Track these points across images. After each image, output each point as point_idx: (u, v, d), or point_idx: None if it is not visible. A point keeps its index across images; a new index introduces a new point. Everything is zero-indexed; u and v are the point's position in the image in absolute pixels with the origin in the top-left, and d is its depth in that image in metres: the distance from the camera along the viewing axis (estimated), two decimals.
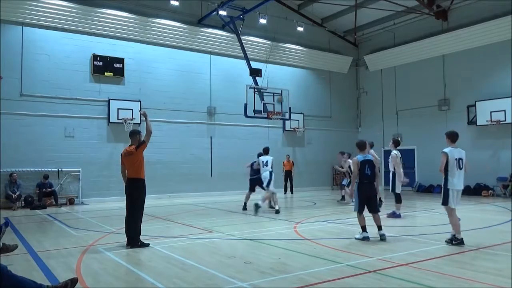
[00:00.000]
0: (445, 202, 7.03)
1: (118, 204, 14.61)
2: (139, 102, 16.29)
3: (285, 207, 13.45)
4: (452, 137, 7.09)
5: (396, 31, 20.70)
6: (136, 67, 16.64)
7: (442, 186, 7.05)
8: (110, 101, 15.80)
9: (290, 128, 20.04)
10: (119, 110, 15.85)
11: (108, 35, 16.08)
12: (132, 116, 16.00)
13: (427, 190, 18.88)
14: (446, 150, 6.97)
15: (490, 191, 16.47)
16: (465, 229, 8.53)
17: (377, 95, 22.08)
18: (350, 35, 22.32)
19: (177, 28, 17.46)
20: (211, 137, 18.09)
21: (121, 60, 16.21)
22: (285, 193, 18.28)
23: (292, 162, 18.92)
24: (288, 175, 18.55)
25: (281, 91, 15.62)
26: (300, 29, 19.70)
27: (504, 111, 16.34)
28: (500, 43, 16.84)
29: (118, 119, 15.79)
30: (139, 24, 16.62)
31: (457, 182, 6.93)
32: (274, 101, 15.59)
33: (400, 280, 4.86)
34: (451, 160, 6.91)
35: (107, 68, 15.94)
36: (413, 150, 20.30)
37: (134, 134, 7.28)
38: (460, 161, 6.98)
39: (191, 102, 17.70)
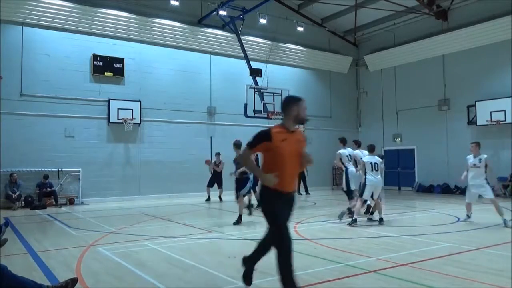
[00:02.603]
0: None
1: (118, 204, 14.63)
2: (139, 102, 16.30)
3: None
4: (344, 141, 10.84)
5: (396, 31, 20.70)
6: (136, 67, 16.64)
7: (364, 181, 9.42)
8: (110, 101, 15.80)
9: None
10: (119, 110, 15.84)
11: (108, 35, 16.08)
12: (132, 116, 16.00)
13: (427, 190, 18.86)
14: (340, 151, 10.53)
15: None
16: (466, 229, 8.54)
17: (377, 95, 22.08)
18: (350, 35, 22.32)
19: (177, 28, 17.46)
20: (211, 137, 18.08)
21: (121, 60, 16.21)
22: (300, 194, 18.01)
23: None
24: (302, 175, 18.24)
25: (281, 91, 15.62)
26: (300, 29, 19.70)
27: (504, 111, 16.34)
28: (500, 43, 16.84)
29: (118, 119, 15.79)
30: (139, 24, 16.62)
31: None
32: (274, 101, 15.60)
33: (400, 280, 4.87)
34: (344, 157, 10.40)
35: (107, 68, 15.93)
36: (413, 150, 20.31)
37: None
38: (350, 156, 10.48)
39: (191, 102, 17.70)
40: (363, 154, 10.12)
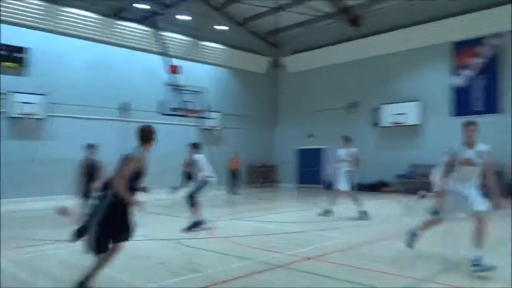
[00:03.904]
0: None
1: (14, 206, 13.52)
2: (46, 96, 15.11)
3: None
4: (197, 147, 8.97)
5: (314, 35, 21.48)
6: (43, 58, 15.39)
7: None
8: (10, 93, 14.45)
9: (208, 126, 19.96)
10: (20, 104, 14.47)
11: (12, 22, 14.69)
12: (37, 111, 14.75)
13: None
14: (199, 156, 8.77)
15: (390, 187, 17.87)
16: (365, 223, 9.21)
17: (295, 96, 22.85)
18: (271, 36, 22.81)
19: (91, 19, 16.49)
20: (125, 135, 17.37)
21: (24, 50, 14.88)
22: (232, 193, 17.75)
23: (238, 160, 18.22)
24: (234, 174, 17.86)
25: (200, 89, 15.55)
26: (221, 27, 19.73)
27: (405, 114, 17.86)
28: (407, 51, 18.32)
29: (19, 113, 14.46)
30: (47, 11, 15.42)
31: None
32: (192, 99, 15.47)
33: (309, 274, 5.14)
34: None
35: (7, 57, 14.53)
36: (326, 149, 21.34)
37: None
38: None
39: (106, 98, 16.81)
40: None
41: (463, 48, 16.86)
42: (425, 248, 6.10)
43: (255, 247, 6.73)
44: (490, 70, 16.19)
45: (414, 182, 17.55)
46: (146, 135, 4.95)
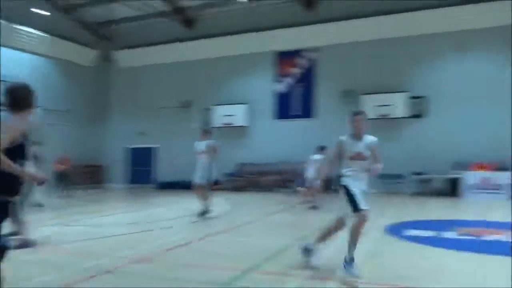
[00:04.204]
0: None
1: None
2: None
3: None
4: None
5: (149, 32, 20.92)
6: None
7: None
8: None
9: None
10: None
11: None
12: None
13: (168, 186, 19.45)
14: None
15: (220, 185, 18.66)
16: (195, 220, 9.39)
17: (128, 92, 21.92)
18: (102, 28, 21.33)
19: None
20: None
21: None
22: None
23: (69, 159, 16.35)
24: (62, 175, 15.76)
25: (10, 79, 13.54)
26: (43, 12, 17.56)
27: (234, 115, 18.90)
28: (237, 56, 19.40)
29: None
30: None
31: None
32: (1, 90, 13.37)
33: (141, 276, 4.93)
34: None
35: None
36: (156, 148, 21.05)
37: None
38: None
39: None
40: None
41: (285, 58, 18.80)
42: (253, 239, 6.51)
43: (80, 253, 6.15)
44: (307, 79, 18.42)
45: (242, 180, 18.79)
46: (19, 98, 3.38)
